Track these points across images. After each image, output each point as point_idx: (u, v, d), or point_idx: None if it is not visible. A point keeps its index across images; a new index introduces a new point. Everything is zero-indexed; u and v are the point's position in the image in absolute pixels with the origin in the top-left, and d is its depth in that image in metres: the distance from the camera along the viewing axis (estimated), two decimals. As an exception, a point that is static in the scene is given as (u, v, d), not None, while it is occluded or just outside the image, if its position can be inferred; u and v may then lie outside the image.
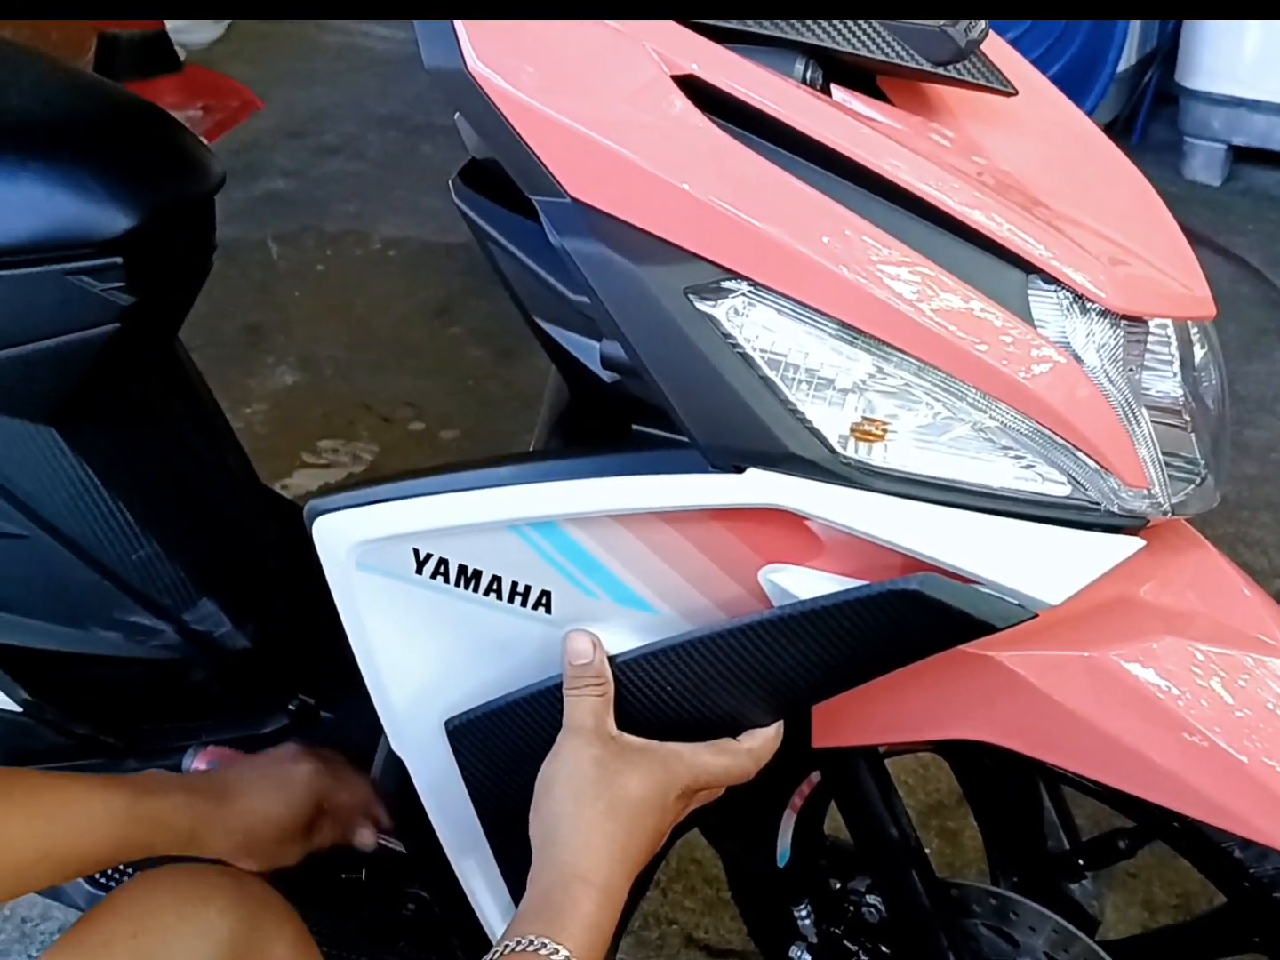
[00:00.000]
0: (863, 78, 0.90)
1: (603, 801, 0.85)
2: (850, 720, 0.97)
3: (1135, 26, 3.36)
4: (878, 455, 0.82)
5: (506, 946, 0.80)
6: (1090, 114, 3.20)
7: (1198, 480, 0.93)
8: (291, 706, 1.35)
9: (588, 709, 0.88)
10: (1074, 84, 3.31)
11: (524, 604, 0.91)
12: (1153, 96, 3.59)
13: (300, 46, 4.52)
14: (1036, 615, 0.83)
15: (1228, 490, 2.36)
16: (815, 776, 1.22)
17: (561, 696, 0.90)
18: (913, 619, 0.82)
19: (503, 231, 0.85)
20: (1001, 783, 1.22)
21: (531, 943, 0.79)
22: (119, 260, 1.08)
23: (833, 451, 0.80)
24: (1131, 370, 0.86)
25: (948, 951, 1.12)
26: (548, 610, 0.91)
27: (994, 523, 0.83)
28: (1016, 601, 0.83)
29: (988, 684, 0.92)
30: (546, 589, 0.90)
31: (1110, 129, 3.60)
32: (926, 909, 1.10)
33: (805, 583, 0.84)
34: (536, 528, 0.87)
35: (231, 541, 1.33)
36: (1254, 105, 3.28)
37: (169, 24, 4.01)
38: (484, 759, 0.97)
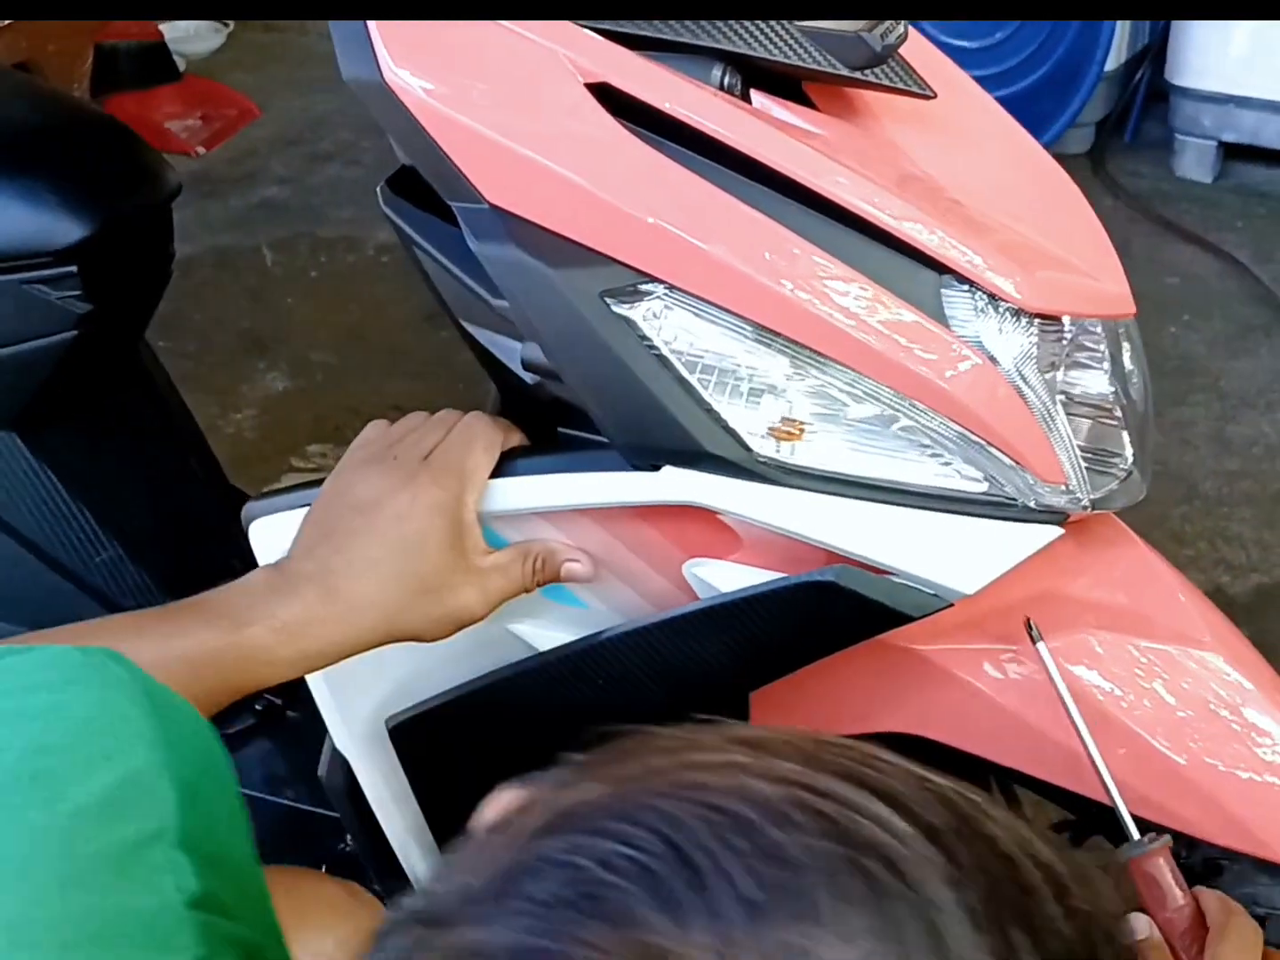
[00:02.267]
0: (789, 83, 0.92)
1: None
2: (786, 713, 0.99)
3: (1125, 24, 3.36)
4: (796, 454, 0.84)
5: None
6: (1078, 113, 3.22)
7: (1124, 475, 0.94)
8: (258, 706, 1.37)
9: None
10: (1063, 83, 3.32)
11: (455, 600, 0.93)
12: (1144, 94, 3.59)
13: (299, 55, 4.55)
14: (952, 605, 0.85)
15: (1207, 486, 2.38)
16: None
17: (500, 694, 0.92)
18: (830, 610, 0.84)
19: (427, 237, 0.87)
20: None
21: None
22: (74, 269, 1.11)
23: (748, 450, 0.82)
24: (1052, 369, 0.88)
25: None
26: (482, 606, 0.93)
27: (909, 515, 0.84)
28: (933, 592, 0.85)
29: (916, 677, 0.94)
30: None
31: (1102, 127, 3.61)
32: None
33: (727, 576, 0.86)
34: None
35: (197, 543, 1.35)
36: (1243, 102, 3.28)
37: (168, 34, 4.05)
38: (426, 757, 0.99)
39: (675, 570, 0.88)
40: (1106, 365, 0.93)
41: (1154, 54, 3.53)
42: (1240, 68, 3.25)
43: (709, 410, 0.81)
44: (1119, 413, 0.94)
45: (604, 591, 0.91)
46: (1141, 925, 0.82)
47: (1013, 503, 0.86)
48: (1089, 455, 0.92)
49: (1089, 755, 0.89)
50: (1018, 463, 0.85)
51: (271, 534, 0.92)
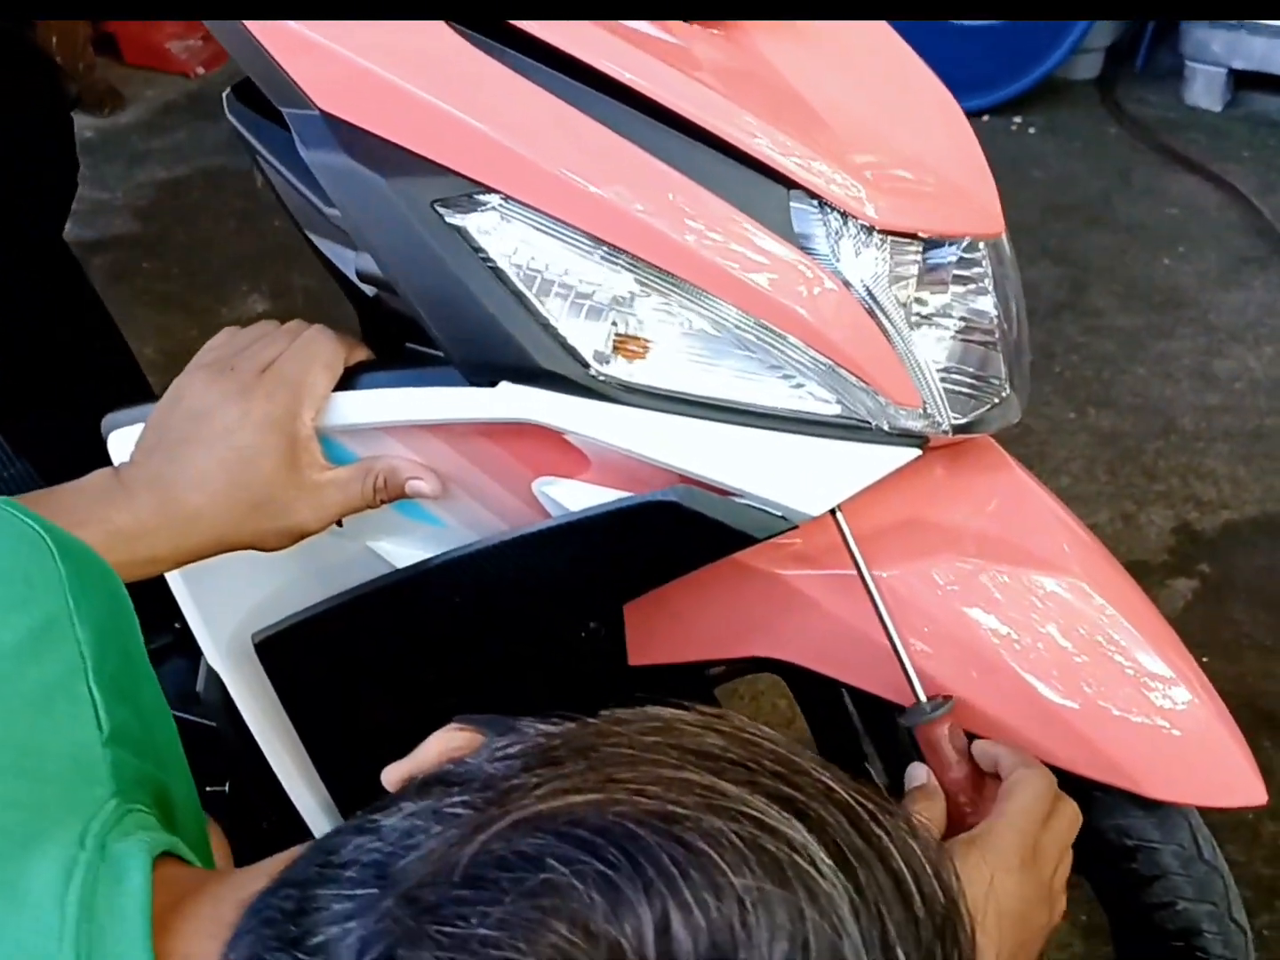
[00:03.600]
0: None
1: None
2: (660, 639, 0.99)
3: (1136, -53, 3.28)
4: (638, 372, 0.82)
5: None
6: (1080, 40, 3.14)
7: (999, 398, 0.92)
8: (177, 625, 1.37)
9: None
10: (1068, 7, 3.24)
11: (314, 516, 0.93)
12: (1157, 20, 3.51)
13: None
14: (797, 526, 0.84)
15: (1186, 421, 2.35)
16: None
17: (362, 611, 0.92)
18: (673, 530, 0.83)
19: (268, 146, 0.85)
20: (838, 706, 1.23)
21: None
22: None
23: (586, 367, 0.80)
24: (908, 288, 0.86)
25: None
26: (338, 523, 0.92)
27: (756, 436, 0.83)
28: (779, 514, 0.83)
29: (779, 602, 0.93)
30: (335, 502, 0.92)
31: (1112, 53, 3.53)
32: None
33: (575, 495, 0.85)
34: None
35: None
36: (1253, 28, 3.20)
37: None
38: (294, 672, 0.98)
39: (525, 489, 0.87)
40: (982, 285, 0.91)
41: (1166, -22, 3.44)
42: (1251, -8, 3.16)
43: (546, 326, 0.80)
44: (996, 334, 0.92)
45: (458, 509, 0.91)
46: (919, 774, 0.84)
47: (866, 425, 0.85)
48: (958, 377, 0.90)
49: (899, 658, 0.88)
50: (869, 385, 0.84)
51: (128, 446, 0.91)
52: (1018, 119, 3.42)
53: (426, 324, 0.81)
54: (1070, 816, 0.82)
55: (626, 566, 0.87)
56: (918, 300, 0.87)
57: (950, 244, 0.89)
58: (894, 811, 0.46)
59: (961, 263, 0.90)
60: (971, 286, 0.90)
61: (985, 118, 3.42)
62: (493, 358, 0.81)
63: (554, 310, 0.80)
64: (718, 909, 0.39)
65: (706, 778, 0.42)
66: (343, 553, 0.94)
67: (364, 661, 0.96)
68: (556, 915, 0.38)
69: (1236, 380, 2.43)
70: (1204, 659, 1.86)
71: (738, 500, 0.83)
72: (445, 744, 0.51)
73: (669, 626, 0.98)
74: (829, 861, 0.41)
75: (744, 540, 0.83)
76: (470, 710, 1.04)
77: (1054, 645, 0.89)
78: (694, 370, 0.83)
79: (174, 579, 1.00)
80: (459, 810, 0.42)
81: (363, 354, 0.87)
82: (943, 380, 0.89)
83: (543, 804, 0.41)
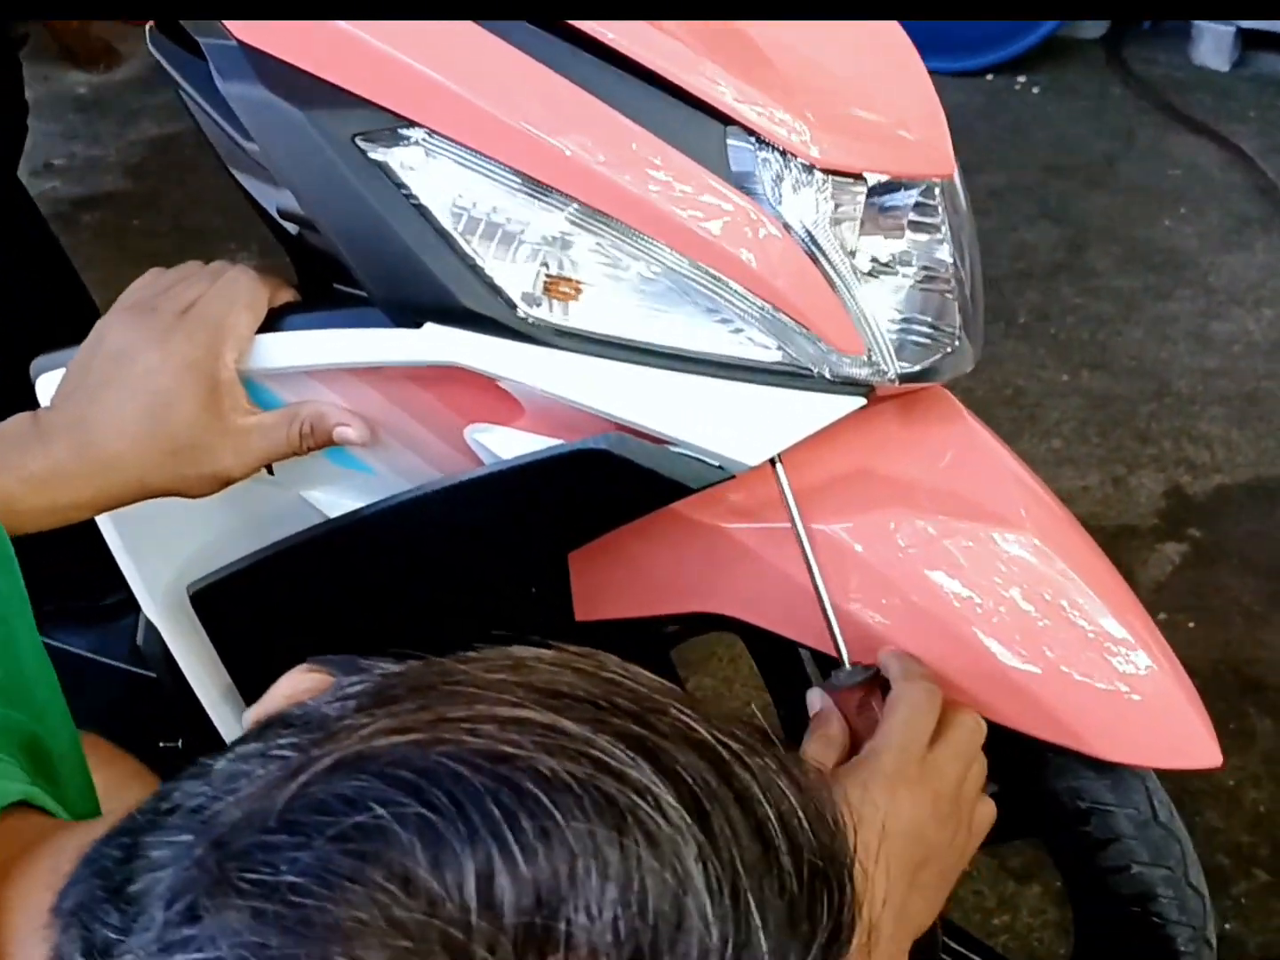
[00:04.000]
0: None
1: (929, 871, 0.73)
2: (606, 594, 0.96)
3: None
4: (570, 315, 0.79)
5: None
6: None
7: (951, 347, 0.89)
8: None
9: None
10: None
11: (246, 464, 0.91)
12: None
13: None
14: (734, 476, 0.81)
15: (1181, 384, 2.31)
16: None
17: (295, 561, 0.90)
18: (605, 479, 0.80)
19: (190, 79, 0.82)
20: (795, 665, 1.21)
21: None
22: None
23: (513, 308, 0.78)
24: (851, 231, 0.83)
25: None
26: (269, 470, 0.90)
27: (692, 383, 0.80)
28: (716, 463, 0.81)
29: (722, 556, 0.90)
30: (264, 449, 0.89)
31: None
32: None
33: (507, 442, 0.83)
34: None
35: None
36: (1262, -14, 3.14)
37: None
38: (229, 623, 0.96)
39: (457, 436, 0.84)
40: (938, 232, 0.88)
41: (1175, -65, 3.38)
42: (1260, -52, 3.10)
43: (471, 265, 0.77)
44: (951, 280, 0.89)
45: (390, 457, 0.88)
46: (815, 700, 0.83)
47: (808, 373, 0.82)
48: (909, 325, 0.87)
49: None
50: (810, 331, 0.81)
51: (54, 389, 0.89)
52: (1021, 78, 3.37)
53: (349, 263, 0.78)
54: (969, 727, 0.80)
55: (560, 517, 0.85)
56: (870, 247, 0.84)
57: (905, 187, 0.86)
58: (765, 752, 0.43)
59: (917, 208, 0.87)
60: (926, 234, 0.87)
61: (989, 76, 3.37)
62: (417, 298, 0.78)
63: (480, 249, 0.77)
64: (546, 857, 0.36)
65: (547, 716, 0.40)
66: (276, 502, 0.92)
67: (298, 612, 0.94)
68: (372, 862, 0.36)
69: (1234, 343, 2.39)
70: (1191, 624, 1.86)
71: (672, 449, 0.80)
72: (293, 685, 0.48)
73: (614, 581, 0.95)
74: (676, 805, 0.39)
75: (678, 490, 0.81)
76: (396, 641, 1.01)
77: (1015, 609, 0.86)
78: (628, 314, 0.80)
79: (108, 531, 0.98)
80: (285, 752, 0.40)
81: (288, 295, 0.84)
82: (893, 328, 0.87)
83: (367, 744, 0.38)
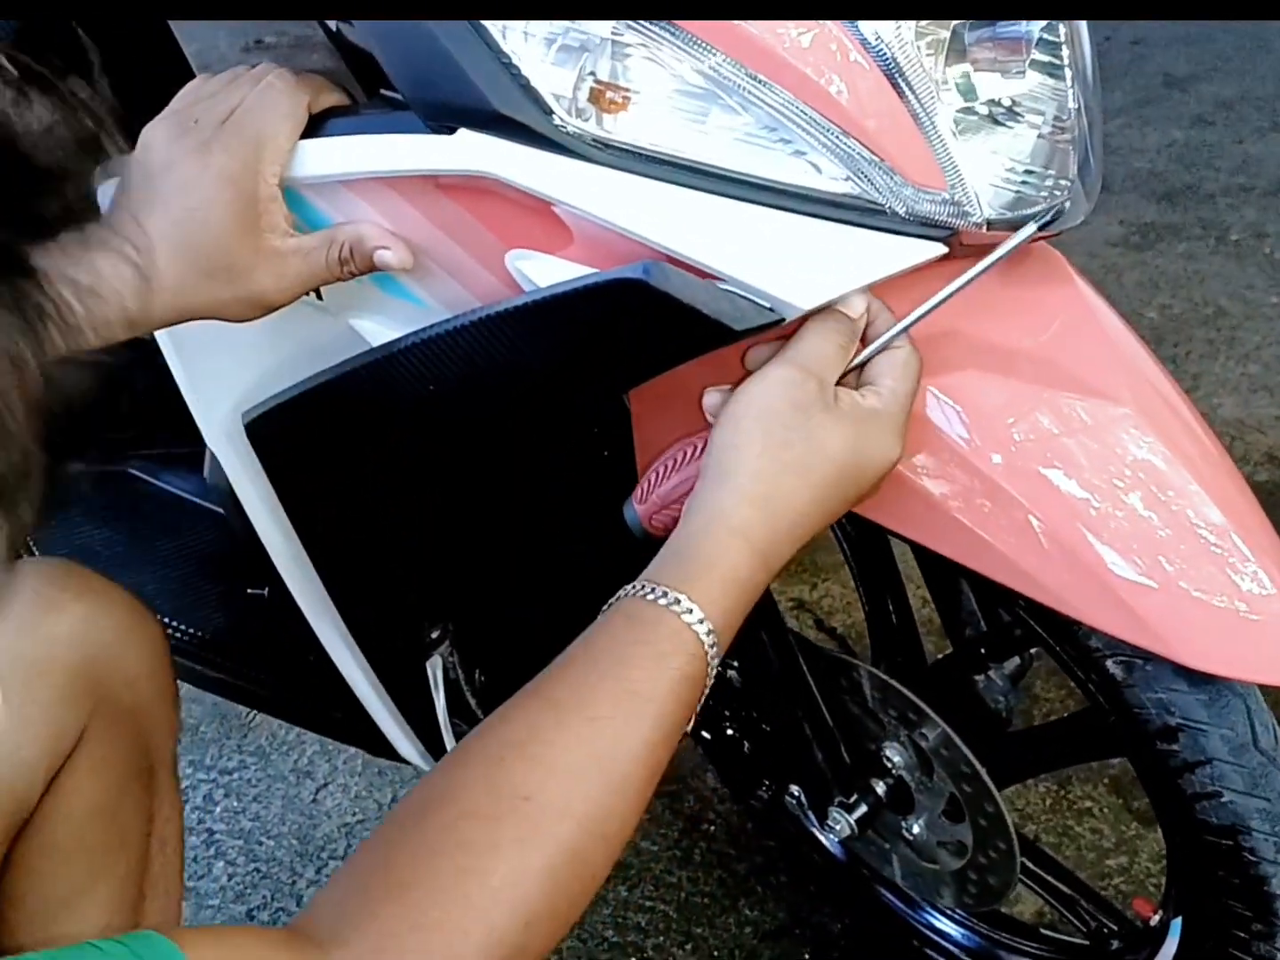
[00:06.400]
0: None
1: (793, 451, 0.72)
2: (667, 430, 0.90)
3: None
4: (617, 127, 0.72)
5: (628, 592, 0.69)
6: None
7: (1058, 194, 0.80)
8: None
9: (817, 348, 0.74)
10: None
11: (293, 286, 0.87)
12: None
13: None
14: (783, 320, 0.74)
15: None
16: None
17: (343, 390, 0.86)
18: (643, 313, 0.74)
19: None
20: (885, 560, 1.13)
21: (654, 590, 0.67)
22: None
23: (549, 114, 0.71)
24: (944, 54, 0.74)
25: (800, 718, 1.04)
26: (319, 296, 0.86)
27: (745, 212, 0.73)
28: (767, 305, 0.73)
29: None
30: (313, 272, 0.85)
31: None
32: (776, 670, 1.02)
33: (546, 270, 0.76)
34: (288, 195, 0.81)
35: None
36: None
37: None
38: (282, 452, 0.94)
39: (500, 263, 0.79)
40: (1059, 71, 0.79)
41: None
42: None
43: (506, 63, 0.71)
44: (1066, 125, 0.80)
45: (436, 286, 0.83)
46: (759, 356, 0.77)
47: (880, 209, 0.74)
48: (1010, 167, 0.78)
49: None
50: (881, 159, 0.72)
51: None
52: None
53: (380, 59, 0.73)
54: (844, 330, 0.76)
55: (603, 353, 0.78)
56: (988, 86, 0.75)
57: (1025, 23, 0.77)
58: None
59: (1040, 45, 0.78)
60: (1046, 74, 0.78)
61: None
62: (449, 99, 0.72)
63: (516, 47, 0.71)
64: None
65: None
66: (328, 330, 0.88)
67: (346, 442, 0.91)
68: None
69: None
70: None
71: (719, 285, 0.73)
72: None
73: (677, 434, 0.89)
74: None
75: (722, 332, 0.73)
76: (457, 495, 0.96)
77: (1105, 487, 0.77)
78: (681, 129, 0.73)
79: (172, 361, 0.96)
80: None
81: (332, 99, 0.79)
82: (1001, 174, 0.78)
83: None
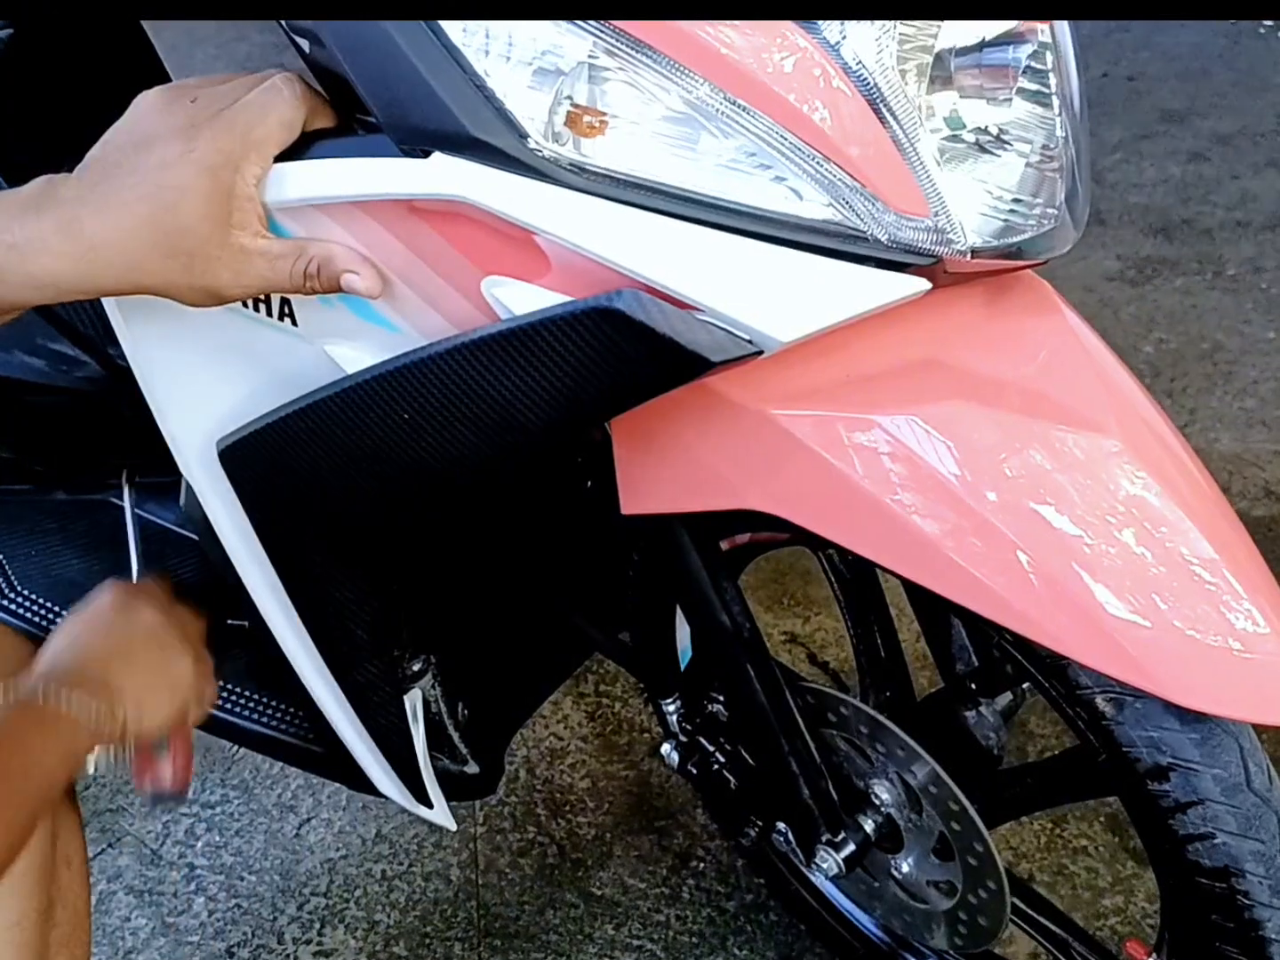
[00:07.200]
0: None
1: None
2: (651, 487, 0.89)
3: None
4: (594, 151, 0.71)
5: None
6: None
7: (1045, 222, 0.78)
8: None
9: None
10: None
11: (268, 313, 0.85)
12: None
13: None
14: (761, 353, 0.72)
15: None
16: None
17: (317, 418, 0.85)
18: (620, 343, 0.72)
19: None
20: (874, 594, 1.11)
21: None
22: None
23: (523, 138, 0.70)
24: (925, 79, 0.73)
25: (786, 753, 1.02)
26: (294, 322, 0.85)
27: (728, 242, 0.71)
28: (745, 336, 0.72)
29: (770, 447, 0.81)
30: (285, 296, 0.84)
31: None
32: (761, 704, 1.00)
33: (520, 298, 0.75)
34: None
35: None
36: None
37: None
38: (256, 480, 0.92)
39: (475, 289, 0.77)
40: (1047, 99, 0.78)
41: None
42: None
43: (480, 86, 0.70)
44: (1052, 151, 0.78)
45: (411, 313, 0.81)
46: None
47: (862, 236, 0.72)
48: (995, 194, 0.77)
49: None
50: (862, 184, 0.71)
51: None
52: (1268, 22, 3.11)
53: (353, 81, 0.72)
54: None
55: (580, 382, 0.76)
56: (973, 114, 0.74)
57: (1012, 45, 0.76)
58: None
59: (1027, 73, 0.77)
60: (1037, 103, 0.77)
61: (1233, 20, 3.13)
62: (423, 123, 0.71)
63: (491, 69, 0.70)
64: None
65: None
66: (303, 357, 0.86)
67: (321, 470, 0.88)
68: None
69: None
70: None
71: (697, 316, 0.71)
72: None
73: (658, 474, 0.87)
74: None
75: (698, 363, 0.72)
76: (436, 524, 0.94)
77: (1089, 515, 0.75)
78: (659, 154, 0.71)
79: (146, 388, 0.95)
80: None
81: (327, 120, 0.78)
82: (987, 201, 0.77)
83: None
